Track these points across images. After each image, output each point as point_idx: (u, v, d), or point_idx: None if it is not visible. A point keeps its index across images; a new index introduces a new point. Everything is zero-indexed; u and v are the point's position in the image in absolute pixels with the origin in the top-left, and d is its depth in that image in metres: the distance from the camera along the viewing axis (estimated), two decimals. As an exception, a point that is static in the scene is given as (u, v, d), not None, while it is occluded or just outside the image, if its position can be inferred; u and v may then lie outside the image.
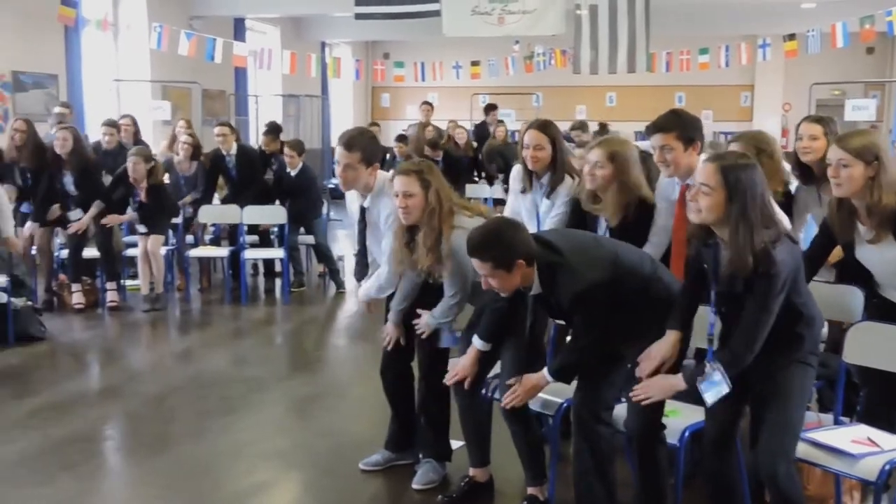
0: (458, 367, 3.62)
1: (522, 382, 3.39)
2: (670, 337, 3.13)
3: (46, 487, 3.99)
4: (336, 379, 5.99)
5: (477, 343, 3.57)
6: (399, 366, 4.10)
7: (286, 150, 8.38)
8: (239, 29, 14.68)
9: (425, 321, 3.82)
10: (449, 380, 3.66)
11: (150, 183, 7.42)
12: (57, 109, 8.81)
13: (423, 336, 3.85)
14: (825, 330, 3.59)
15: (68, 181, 7.37)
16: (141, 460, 4.33)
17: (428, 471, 3.97)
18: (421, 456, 4.06)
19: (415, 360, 4.08)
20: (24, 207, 7.55)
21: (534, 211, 4.35)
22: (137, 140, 8.99)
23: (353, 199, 4.11)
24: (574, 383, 3.37)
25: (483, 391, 3.74)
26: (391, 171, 3.85)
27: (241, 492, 4.01)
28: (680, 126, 3.71)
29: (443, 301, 3.73)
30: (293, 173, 8.36)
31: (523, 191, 4.39)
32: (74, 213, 7.40)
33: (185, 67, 12.12)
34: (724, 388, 2.92)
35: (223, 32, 12.86)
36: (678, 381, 3.07)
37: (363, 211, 3.98)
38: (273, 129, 9.19)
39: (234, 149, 8.33)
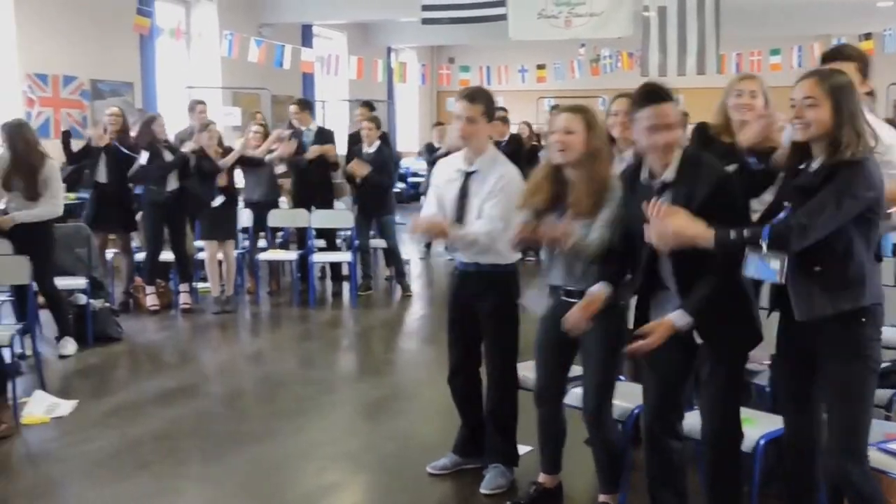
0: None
1: (654, 328, 3.02)
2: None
3: (124, 484, 4.09)
4: (404, 382, 6.03)
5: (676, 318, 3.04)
6: (468, 370, 4.11)
7: (364, 124, 8.32)
8: (307, 35, 14.89)
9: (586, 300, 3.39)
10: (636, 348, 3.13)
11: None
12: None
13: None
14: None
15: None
16: (214, 459, 4.41)
17: (496, 475, 3.96)
18: (489, 460, 4.06)
19: (483, 364, 4.08)
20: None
21: None
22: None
23: (442, 168, 4.02)
24: (640, 390, 3.33)
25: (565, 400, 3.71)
26: None
27: (311, 492, 4.07)
28: None
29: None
30: (370, 150, 8.20)
31: None
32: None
33: (254, 74, 12.35)
34: (774, 278, 2.80)
35: (291, 39, 13.07)
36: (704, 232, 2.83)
37: (467, 177, 3.84)
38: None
39: (313, 125, 8.51)
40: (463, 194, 3.85)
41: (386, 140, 9.01)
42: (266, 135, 8.47)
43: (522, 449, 4.09)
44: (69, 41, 10.29)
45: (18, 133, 5.94)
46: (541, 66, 14.22)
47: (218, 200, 7.58)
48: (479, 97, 3.82)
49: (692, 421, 3.27)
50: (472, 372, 4.11)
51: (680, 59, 9.26)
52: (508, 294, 3.90)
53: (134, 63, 11.31)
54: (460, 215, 3.84)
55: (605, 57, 14.32)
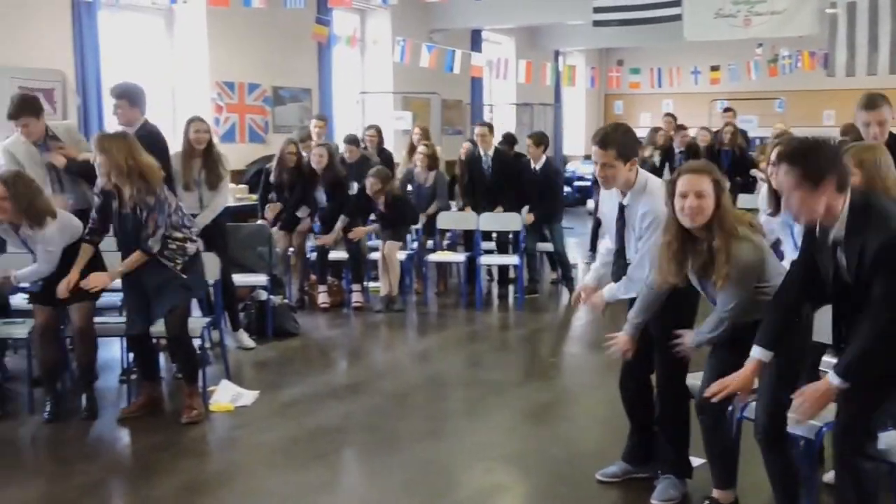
0: (731, 381, 3.29)
1: (806, 394, 3.03)
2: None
3: (300, 474, 4.27)
4: (571, 386, 5.99)
5: (757, 353, 3.22)
6: (638, 377, 4.03)
7: (528, 142, 8.45)
8: (476, 40, 15.05)
9: (690, 339, 3.62)
10: (714, 393, 3.33)
11: (389, 197, 7.77)
12: (310, 123, 9.40)
13: (683, 355, 3.69)
14: None
15: (320, 193, 7.86)
16: (384, 454, 4.53)
17: (668, 487, 3.87)
18: (660, 471, 3.96)
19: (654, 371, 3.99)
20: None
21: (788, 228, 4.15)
22: (381, 149, 9.47)
23: (606, 197, 4.04)
24: (833, 407, 3.15)
25: (731, 409, 3.58)
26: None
27: (479, 493, 4.10)
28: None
29: (714, 314, 3.50)
30: (537, 167, 8.40)
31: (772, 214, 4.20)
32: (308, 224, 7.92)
33: (424, 79, 12.61)
34: None
35: (461, 44, 13.25)
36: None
37: (622, 209, 3.89)
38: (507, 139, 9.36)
39: (491, 150, 8.58)
40: (621, 224, 3.92)
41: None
42: (431, 156, 8.62)
43: (696, 461, 3.96)
44: (254, 51, 10.87)
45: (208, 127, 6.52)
46: (715, 68, 13.77)
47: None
48: (611, 141, 3.76)
49: (890, 441, 3.08)
50: (643, 378, 4.03)
51: (871, 58, 8.71)
52: (676, 303, 3.80)
53: (312, 70, 11.81)
54: (621, 244, 3.94)
55: (783, 56, 13.69)
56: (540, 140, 8.48)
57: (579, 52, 18.90)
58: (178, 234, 4.89)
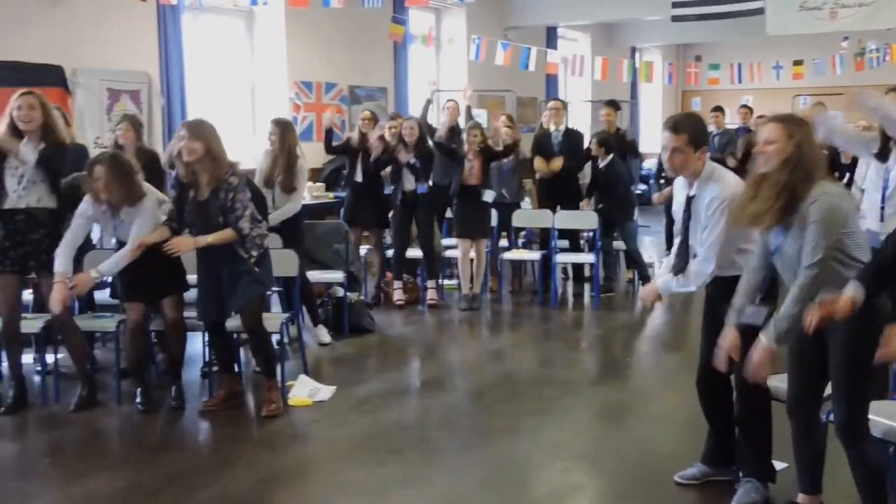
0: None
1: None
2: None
3: (377, 468, 4.31)
4: (646, 387, 5.91)
5: (851, 288, 3.08)
6: (716, 377, 3.94)
7: (593, 141, 8.41)
8: (551, 37, 14.97)
9: (768, 336, 3.36)
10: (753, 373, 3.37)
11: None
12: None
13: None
14: None
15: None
16: (461, 451, 4.55)
17: (749, 491, 3.78)
18: (741, 474, 3.88)
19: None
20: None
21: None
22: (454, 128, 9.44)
23: (678, 187, 3.97)
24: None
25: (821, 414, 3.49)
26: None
27: (556, 492, 4.09)
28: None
29: (800, 275, 3.26)
30: (601, 165, 8.38)
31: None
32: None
33: (499, 76, 12.59)
34: None
35: (536, 41, 13.19)
36: None
37: (689, 201, 3.83)
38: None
39: (562, 126, 8.55)
40: (687, 217, 3.85)
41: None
42: (517, 138, 8.59)
43: (779, 465, 3.87)
44: (331, 51, 11.01)
45: (291, 130, 6.61)
46: (798, 62, 13.42)
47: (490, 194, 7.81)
48: (683, 126, 3.72)
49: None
50: (721, 377, 3.94)
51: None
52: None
53: (388, 69, 11.91)
54: (685, 236, 3.88)
55: (871, 50, 13.26)
56: (602, 142, 8.41)
57: (656, 47, 18.63)
58: (258, 226, 4.99)
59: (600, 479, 4.29)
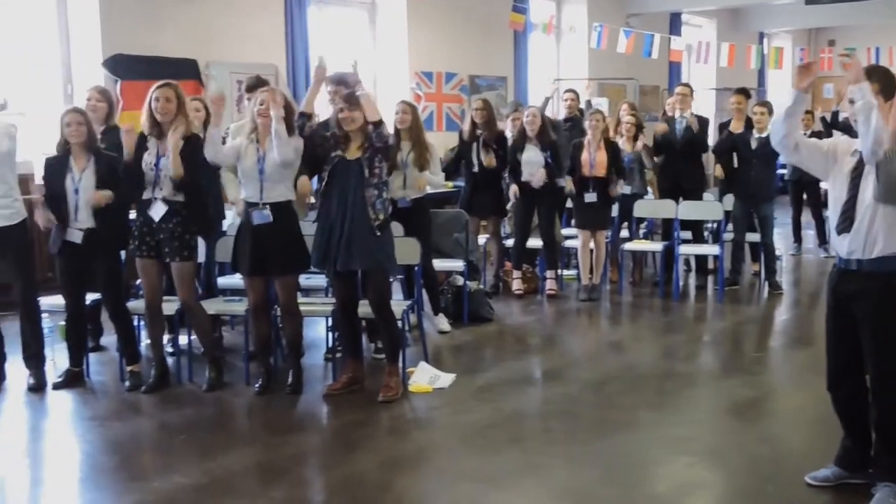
0: None
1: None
2: None
3: (497, 456, 4.33)
4: (773, 383, 5.72)
5: None
6: (851, 379, 3.78)
7: (756, 108, 8.03)
8: (675, 23, 14.64)
9: None
10: None
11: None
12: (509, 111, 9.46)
13: None
14: None
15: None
16: (581, 442, 4.51)
17: (887, 496, 3.60)
18: (877, 478, 3.71)
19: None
20: None
21: None
22: (573, 116, 9.32)
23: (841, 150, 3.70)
24: None
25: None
26: None
27: (679, 487, 4.01)
28: None
29: None
30: (754, 143, 7.92)
31: None
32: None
33: (621, 64, 12.39)
34: None
35: (660, 28, 12.92)
36: None
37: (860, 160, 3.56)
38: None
39: (688, 112, 8.34)
40: (857, 174, 3.58)
41: None
42: (638, 125, 8.44)
43: (920, 469, 3.69)
44: (452, 41, 11.08)
45: (417, 111, 6.79)
46: (942, 45, 12.68)
47: (590, 197, 7.69)
48: (874, 73, 3.56)
49: None
50: (856, 380, 3.76)
51: None
52: (891, 294, 3.54)
53: (508, 58, 11.90)
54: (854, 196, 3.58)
55: None
56: (770, 108, 7.86)
57: (786, 32, 17.96)
58: (385, 188, 5.09)
59: (726, 477, 4.18)
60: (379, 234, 5.00)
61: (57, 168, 5.27)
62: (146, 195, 5.19)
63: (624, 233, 8.55)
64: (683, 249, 8.23)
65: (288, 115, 5.10)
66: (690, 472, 4.17)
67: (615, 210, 8.27)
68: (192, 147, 5.16)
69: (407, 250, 5.61)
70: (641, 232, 8.83)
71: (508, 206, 8.09)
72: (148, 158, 5.17)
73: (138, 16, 8.12)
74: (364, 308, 5.27)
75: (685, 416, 4.93)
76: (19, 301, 5.48)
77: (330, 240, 5.01)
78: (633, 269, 8.76)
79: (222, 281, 6.17)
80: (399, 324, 5.36)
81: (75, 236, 5.25)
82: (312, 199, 6.00)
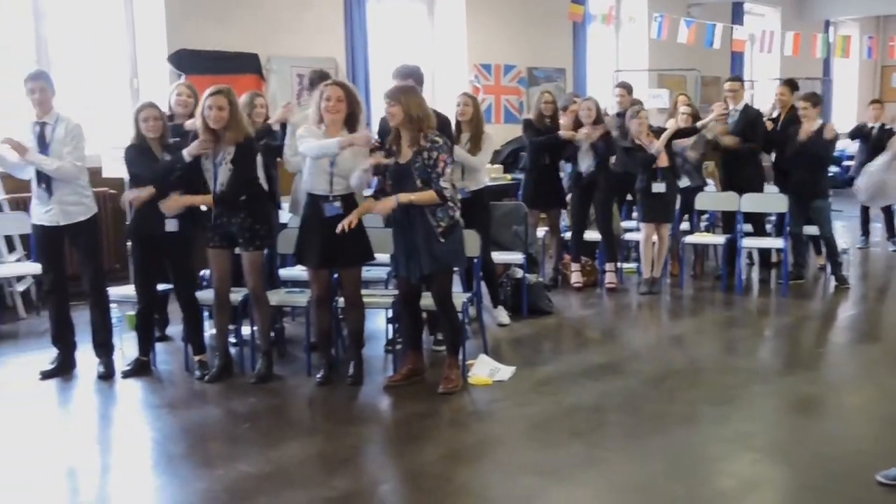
0: None
1: None
2: None
3: (557, 449, 4.32)
4: (838, 380, 5.60)
5: None
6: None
7: (801, 102, 7.86)
8: (737, 13, 14.38)
9: None
10: None
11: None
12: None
13: None
14: None
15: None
16: (642, 437, 4.47)
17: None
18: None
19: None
20: None
21: None
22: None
23: None
24: None
25: None
26: None
27: (744, 484, 3.94)
28: None
29: None
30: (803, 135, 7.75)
31: None
32: None
33: (681, 55, 12.22)
34: None
35: (721, 17, 12.71)
36: None
37: None
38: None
39: (740, 105, 8.19)
40: None
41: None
42: (695, 116, 8.32)
43: None
44: (510, 33, 11.04)
45: (478, 103, 6.78)
46: None
47: (658, 187, 7.60)
48: None
49: None
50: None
51: None
52: None
53: (567, 50, 11.82)
54: None
55: None
56: (818, 100, 7.82)
57: (853, 20, 17.51)
58: (455, 192, 5.07)
59: (792, 474, 4.10)
60: (443, 240, 4.99)
61: (137, 155, 5.38)
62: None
63: (685, 225, 8.44)
64: (747, 242, 8.09)
65: (354, 109, 5.14)
66: (755, 469, 4.11)
67: (676, 203, 8.15)
68: (245, 152, 5.23)
69: (467, 242, 5.61)
70: (703, 225, 8.71)
71: (568, 199, 8.05)
72: (206, 164, 5.26)
73: (202, 11, 8.26)
74: (426, 300, 5.29)
75: (748, 412, 4.86)
76: (89, 291, 5.62)
77: (400, 248, 5.09)
78: (694, 263, 8.65)
79: (283, 272, 6.25)
80: (459, 316, 5.37)
81: (171, 225, 5.36)
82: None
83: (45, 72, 5.70)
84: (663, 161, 7.58)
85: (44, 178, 5.38)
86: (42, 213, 5.44)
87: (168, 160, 5.31)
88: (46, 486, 3.99)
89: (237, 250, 5.33)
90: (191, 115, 5.86)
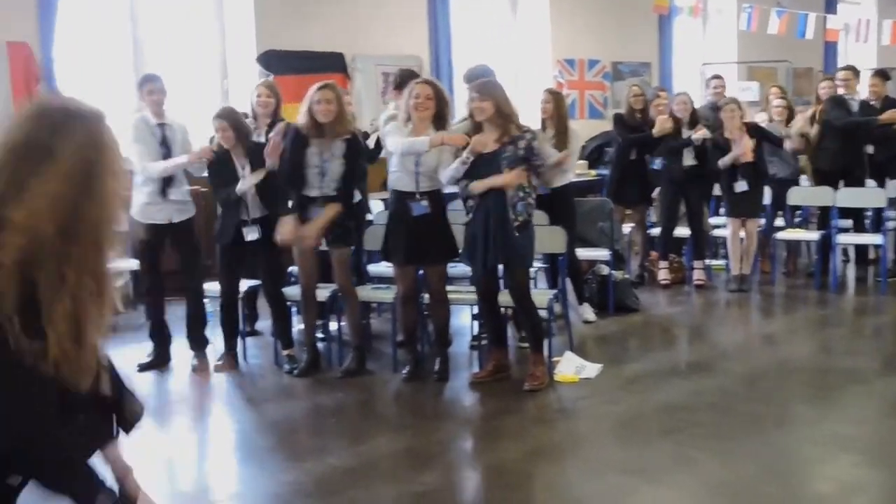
0: None
1: None
2: None
3: (646, 448, 4.24)
4: (944, 382, 5.37)
5: None
6: None
7: (871, 80, 7.65)
8: (830, 2, 13.91)
9: None
10: None
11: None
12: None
13: None
14: None
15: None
16: (734, 437, 4.36)
17: None
18: None
19: None
20: None
21: None
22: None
23: None
24: None
25: None
26: None
27: (844, 488, 3.80)
28: None
29: None
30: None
31: None
32: None
33: (771, 46, 11.88)
34: None
35: (814, 6, 12.31)
36: None
37: None
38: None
39: (857, 95, 7.90)
40: None
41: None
42: (789, 108, 8.07)
43: None
44: (594, 27, 10.92)
45: (563, 98, 6.78)
46: None
47: (741, 186, 7.42)
48: None
49: None
50: None
51: None
52: None
53: (652, 43, 11.62)
54: None
55: None
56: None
57: (955, 6, 16.74)
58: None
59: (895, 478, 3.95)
60: (518, 234, 4.96)
61: (215, 164, 5.50)
62: (312, 193, 5.28)
63: (779, 221, 8.18)
64: (842, 238, 7.81)
65: (442, 108, 5.16)
66: (855, 472, 3.96)
67: (768, 198, 7.93)
68: (357, 145, 5.29)
69: (552, 239, 5.58)
70: (796, 220, 8.45)
71: (654, 195, 7.92)
72: (314, 160, 5.25)
73: (289, 11, 8.40)
74: (504, 297, 5.26)
75: (845, 414, 4.69)
76: (186, 287, 5.77)
77: (475, 237, 5.04)
78: (786, 260, 8.41)
79: (370, 268, 6.31)
80: (544, 313, 5.33)
81: (252, 234, 5.46)
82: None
83: (159, 75, 5.82)
84: (748, 156, 7.36)
85: (162, 178, 5.55)
86: (155, 211, 5.59)
87: (225, 195, 5.41)
88: (143, 476, 4.11)
89: (324, 247, 5.40)
90: (273, 115, 5.93)
